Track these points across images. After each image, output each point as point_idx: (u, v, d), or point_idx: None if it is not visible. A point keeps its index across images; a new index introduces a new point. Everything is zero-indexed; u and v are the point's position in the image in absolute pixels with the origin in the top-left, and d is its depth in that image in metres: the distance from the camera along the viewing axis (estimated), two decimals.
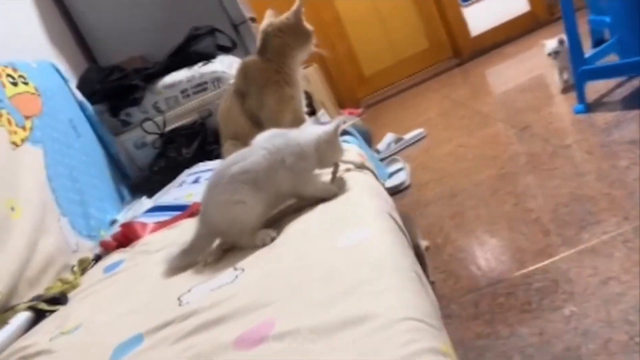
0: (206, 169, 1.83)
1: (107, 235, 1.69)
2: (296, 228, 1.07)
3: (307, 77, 3.38)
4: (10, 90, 1.68)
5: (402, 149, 3.19)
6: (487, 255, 1.72)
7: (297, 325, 0.69)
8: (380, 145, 3.24)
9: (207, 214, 1.13)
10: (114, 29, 2.81)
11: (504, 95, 3.49)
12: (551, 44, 2.67)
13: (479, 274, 1.65)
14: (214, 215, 1.12)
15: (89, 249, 1.67)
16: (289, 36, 1.42)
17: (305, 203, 1.17)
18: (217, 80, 2.15)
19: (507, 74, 4.01)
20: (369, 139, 3.18)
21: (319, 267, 0.85)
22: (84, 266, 1.55)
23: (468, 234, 1.90)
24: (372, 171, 1.38)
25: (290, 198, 1.21)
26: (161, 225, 1.55)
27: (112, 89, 2.15)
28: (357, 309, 0.69)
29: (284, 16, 1.43)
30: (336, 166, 1.25)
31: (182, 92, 2.17)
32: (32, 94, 1.78)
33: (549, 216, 1.75)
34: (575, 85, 2.47)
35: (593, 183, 1.81)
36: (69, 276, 1.50)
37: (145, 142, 2.16)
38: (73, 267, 1.54)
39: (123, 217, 1.81)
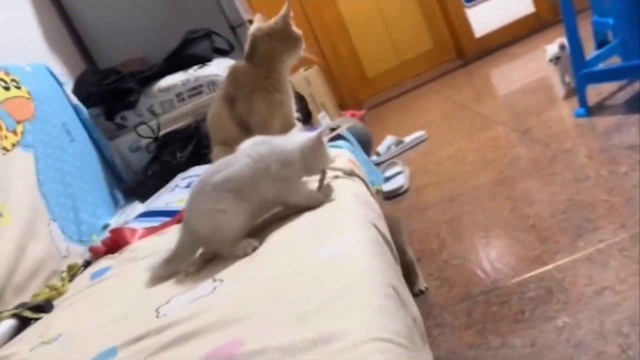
0: (199, 173, 1.81)
1: (99, 240, 1.68)
2: (278, 238, 1.05)
3: (307, 78, 3.36)
4: (1, 94, 1.67)
5: (402, 152, 3.16)
6: (482, 262, 1.70)
7: (266, 345, 0.68)
8: (380, 148, 3.21)
9: (190, 223, 1.12)
10: (113, 31, 2.80)
11: (507, 97, 3.46)
12: (552, 49, 2.62)
13: (473, 281, 1.63)
14: (197, 224, 1.10)
15: (79, 254, 1.66)
16: (278, 41, 1.40)
17: (290, 211, 1.15)
18: (212, 83, 2.13)
19: (511, 75, 3.98)
20: (369, 142, 3.16)
21: (295, 281, 0.83)
22: (73, 272, 1.54)
23: (464, 240, 1.87)
24: (361, 178, 1.36)
25: (275, 206, 1.19)
26: (150, 231, 1.54)
27: (107, 92, 2.14)
28: (326, 328, 0.67)
29: (272, 21, 1.41)
30: (323, 173, 1.23)
31: (178, 95, 2.15)
32: (25, 98, 1.78)
33: (546, 223, 1.73)
34: (577, 88, 2.44)
35: (591, 189, 1.78)
36: (57, 282, 1.49)
37: (140, 146, 2.14)
38: (62, 272, 1.53)
39: (115, 221, 1.80)
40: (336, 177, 1.28)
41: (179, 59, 2.22)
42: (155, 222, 1.62)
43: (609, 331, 1.20)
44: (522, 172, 2.15)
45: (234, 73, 1.49)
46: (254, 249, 1.05)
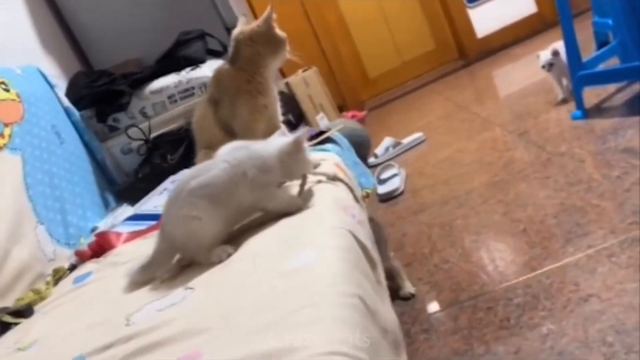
0: None
1: (87, 243, 1.67)
2: (252, 245, 1.04)
3: (305, 80, 3.35)
4: None
5: (400, 154, 3.14)
6: (471, 267, 1.68)
7: (223, 358, 0.67)
8: (378, 150, 3.19)
9: (166, 229, 1.11)
10: (110, 32, 2.80)
11: (507, 98, 3.43)
12: (545, 56, 2.58)
13: (461, 286, 1.61)
14: (173, 230, 1.09)
15: (67, 257, 1.65)
16: (260, 45, 1.38)
17: (268, 217, 1.14)
18: (205, 85, 2.12)
19: (513, 76, 3.94)
20: (366, 144, 3.14)
21: (261, 292, 0.82)
22: (58, 276, 1.53)
23: (455, 244, 1.85)
24: (346, 182, 1.34)
25: (254, 212, 1.18)
26: (135, 235, 1.53)
27: (99, 94, 2.13)
28: (283, 341, 0.66)
29: (254, 23, 1.39)
30: (304, 178, 1.22)
31: (169, 97, 2.14)
32: (13, 100, 1.77)
33: (537, 227, 1.71)
34: (573, 90, 2.41)
35: (583, 193, 1.76)
36: (42, 286, 1.48)
37: (132, 148, 2.14)
38: (48, 276, 1.53)
39: (104, 224, 1.79)
40: (319, 181, 1.27)
41: (172, 61, 2.21)
42: (142, 225, 1.61)
43: (593, 340, 1.18)
44: (516, 176, 2.13)
45: (217, 76, 1.47)
46: (229, 255, 1.04)
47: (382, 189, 2.59)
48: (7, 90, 1.77)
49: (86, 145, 2.08)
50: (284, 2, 4.25)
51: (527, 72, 3.75)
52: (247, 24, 1.41)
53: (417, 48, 4.95)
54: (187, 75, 2.16)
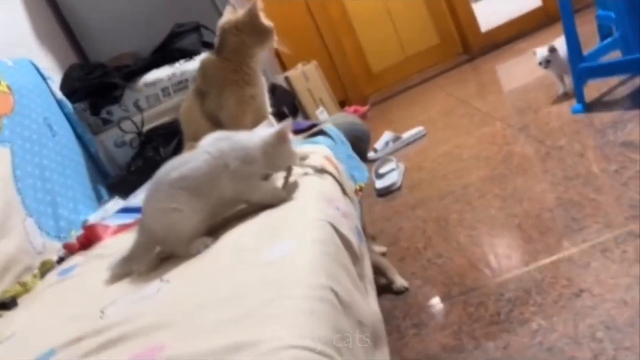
0: None
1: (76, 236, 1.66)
2: (231, 237, 1.02)
3: (305, 73, 3.32)
4: None
5: (400, 148, 3.11)
6: (465, 262, 1.66)
7: (184, 351, 0.65)
8: (378, 144, 3.16)
9: (146, 222, 1.09)
10: (106, 25, 2.77)
11: (509, 93, 3.39)
12: (541, 52, 2.53)
13: (454, 281, 1.59)
14: (152, 223, 1.08)
15: (57, 250, 1.64)
16: (246, 34, 1.36)
17: (250, 209, 1.12)
18: None
19: (516, 70, 3.90)
20: (366, 138, 3.10)
21: (233, 284, 0.80)
22: (46, 268, 1.51)
23: (449, 239, 1.83)
24: (334, 175, 1.32)
25: (238, 204, 1.16)
26: (123, 228, 1.52)
27: (92, 87, 2.11)
28: (245, 335, 0.64)
29: (240, 13, 1.37)
30: (289, 170, 1.19)
31: (163, 90, 2.13)
32: (4, 92, 1.76)
33: (532, 222, 1.68)
34: (574, 83, 2.38)
35: (580, 187, 1.73)
36: (29, 279, 1.47)
37: (125, 141, 2.12)
38: (35, 269, 1.52)
39: (94, 217, 1.78)
40: (305, 174, 1.25)
41: (166, 53, 2.19)
42: (131, 218, 1.59)
43: (582, 335, 1.15)
44: (514, 170, 2.09)
45: (203, 67, 1.45)
46: (207, 247, 1.02)
47: (379, 184, 2.56)
48: None
49: (79, 138, 2.07)
50: None
51: (531, 66, 3.68)
52: (234, 13, 1.39)
53: (420, 42, 4.91)
54: (181, 67, 2.14)
